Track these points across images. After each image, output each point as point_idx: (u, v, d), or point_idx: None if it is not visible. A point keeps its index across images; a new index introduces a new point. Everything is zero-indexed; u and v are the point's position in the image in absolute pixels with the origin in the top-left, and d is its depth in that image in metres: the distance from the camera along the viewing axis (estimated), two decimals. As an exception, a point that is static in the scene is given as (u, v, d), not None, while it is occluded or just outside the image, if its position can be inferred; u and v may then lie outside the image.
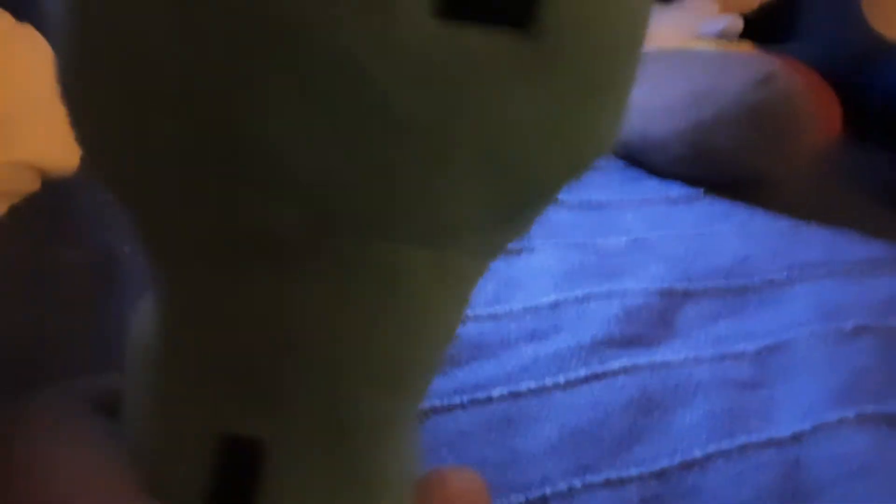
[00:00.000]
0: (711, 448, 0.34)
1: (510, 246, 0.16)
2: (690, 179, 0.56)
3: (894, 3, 0.69)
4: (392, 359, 0.15)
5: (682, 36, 0.68)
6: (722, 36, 0.67)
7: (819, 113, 0.55)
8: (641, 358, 0.38)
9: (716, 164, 0.55)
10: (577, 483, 0.32)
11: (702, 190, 0.55)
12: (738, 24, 0.67)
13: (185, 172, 0.13)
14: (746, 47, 0.60)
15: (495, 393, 0.35)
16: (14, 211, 0.36)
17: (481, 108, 0.13)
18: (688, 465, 0.34)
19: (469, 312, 0.22)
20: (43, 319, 0.33)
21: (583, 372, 0.37)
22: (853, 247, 0.50)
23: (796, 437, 0.36)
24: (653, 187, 0.55)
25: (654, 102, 0.56)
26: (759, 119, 0.53)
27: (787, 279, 0.46)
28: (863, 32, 0.69)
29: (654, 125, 0.56)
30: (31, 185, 0.37)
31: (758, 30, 0.74)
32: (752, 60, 0.55)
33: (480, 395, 0.35)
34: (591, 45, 0.13)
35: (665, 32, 0.68)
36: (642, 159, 0.58)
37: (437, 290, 0.14)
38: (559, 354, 0.38)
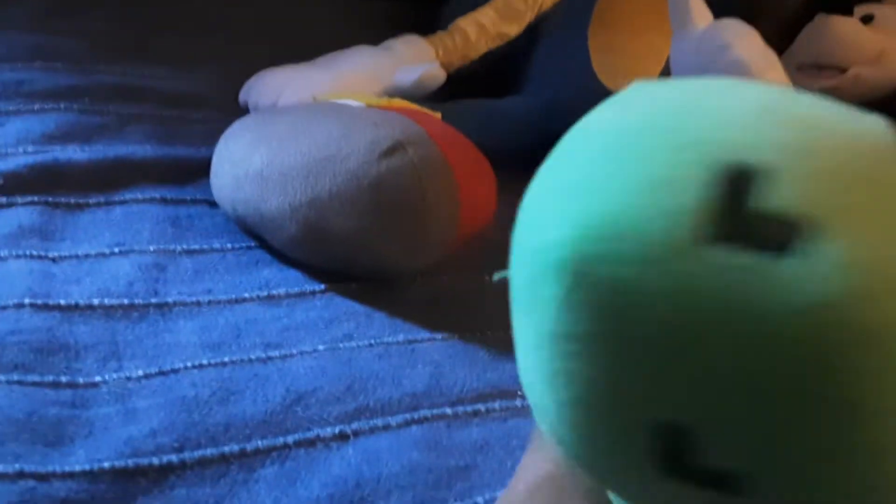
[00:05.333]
0: None
1: None
2: (312, 267, 0.46)
3: (623, 59, 0.59)
4: None
5: (377, 83, 0.58)
6: (418, 87, 0.57)
7: (466, 192, 0.44)
8: None
9: (332, 250, 0.45)
10: None
11: (323, 286, 0.45)
12: (439, 74, 0.57)
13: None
14: (403, 104, 0.49)
15: None
16: None
17: None
18: None
19: None
20: None
21: None
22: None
23: None
24: (260, 280, 0.45)
25: (272, 169, 0.45)
26: (378, 198, 0.42)
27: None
28: (590, 86, 0.59)
29: (269, 197, 0.45)
30: None
31: (481, 80, 0.64)
32: (389, 123, 0.45)
33: None
34: None
35: (354, 78, 0.57)
36: (262, 238, 0.47)
37: None
38: None
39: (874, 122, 0.15)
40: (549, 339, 0.15)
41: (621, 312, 0.14)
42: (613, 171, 0.15)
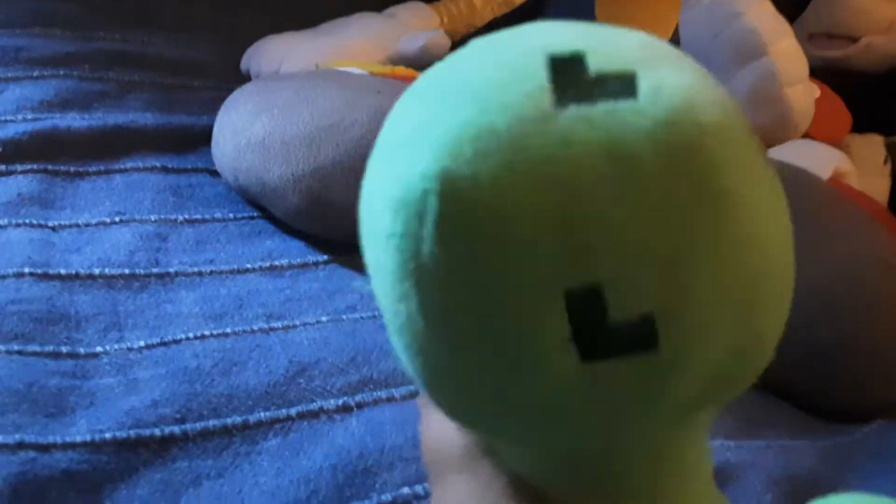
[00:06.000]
0: None
1: None
2: (315, 238, 0.45)
3: (628, 13, 0.58)
4: None
5: (381, 51, 0.57)
6: (422, 55, 0.56)
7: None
8: None
9: (335, 221, 0.44)
10: None
11: (326, 256, 0.44)
12: (444, 41, 0.56)
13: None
14: (407, 72, 0.49)
15: None
16: None
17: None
18: None
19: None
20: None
21: None
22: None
23: None
24: (263, 250, 0.44)
25: (274, 138, 0.45)
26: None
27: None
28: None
29: (272, 167, 0.45)
30: None
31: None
32: (393, 91, 0.44)
33: None
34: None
35: (357, 46, 0.56)
36: (264, 208, 0.47)
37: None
38: None
39: None
40: (452, 271, 0.16)
41: (508, 201, 0.15)
42: (454, 97, 0.16)
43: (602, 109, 0.15)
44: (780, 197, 0.17)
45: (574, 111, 0.15)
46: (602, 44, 0.16)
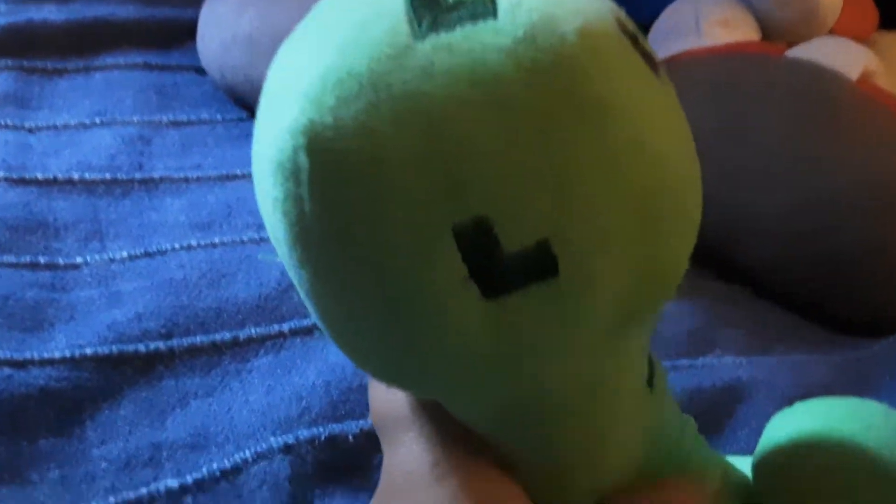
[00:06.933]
0: None
1: None
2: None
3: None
4: None
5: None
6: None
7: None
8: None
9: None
10: None
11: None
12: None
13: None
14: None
15: None
16: None
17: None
18: None
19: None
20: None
21: None
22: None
23: None
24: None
25: (261, 32, 0.42)
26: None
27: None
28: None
29: (260, 63, 0.42)
30: None
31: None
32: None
33: None
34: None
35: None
36: (254, 109, 0.44)
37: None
38: None
39: None
40: (334, 227, 0.15)
41: (374, 145, 0.14)
42: (317, 44, 0.15)
43: (461, 34, 0.15)
44: (672, 108, 0.16)
45: (433, 40, 0.15)
46: None
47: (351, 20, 0.15)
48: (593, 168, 0.15)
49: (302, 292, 0.17)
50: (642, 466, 0.20)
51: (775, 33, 0.51)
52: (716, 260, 0.42)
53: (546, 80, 0.14)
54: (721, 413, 0.33)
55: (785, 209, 0.39)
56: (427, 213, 0.15)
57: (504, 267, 0.15)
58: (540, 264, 0.15)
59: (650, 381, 0.20)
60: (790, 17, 0.50)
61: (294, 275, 0.16)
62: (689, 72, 0.45)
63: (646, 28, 0.52)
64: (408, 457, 0.18)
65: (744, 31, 0.49)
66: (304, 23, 0.16)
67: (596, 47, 0.15)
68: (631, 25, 0.16)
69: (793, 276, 0.40)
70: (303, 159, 0.15)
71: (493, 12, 0.15)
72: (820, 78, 0.40)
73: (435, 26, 0.15)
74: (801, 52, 0.45)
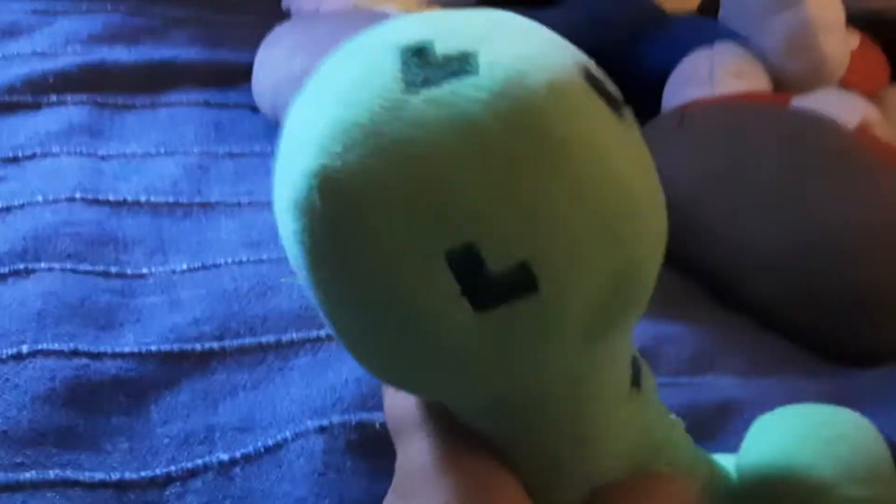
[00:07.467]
0: None
1: None
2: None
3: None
4: None
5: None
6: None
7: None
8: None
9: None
10: None
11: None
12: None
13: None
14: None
15: None
16: None
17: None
18: None
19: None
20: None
21: None
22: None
23: None
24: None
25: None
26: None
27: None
28: (632, 0, 0.58)
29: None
30: None
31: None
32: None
33: None
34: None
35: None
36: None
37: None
38: None
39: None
40: (343, 256, 0.18)
41: (376, 186, 0.17)
42: (324, 100, 0.18)
43: (447, 89, 0.17)
44: (632, 141, 0.19)
45: (424, 95, 0.17)
46: (449, 28, 0.18)
47: (351, 79, 0.18)
48: (561, 197, 0.17)
49: (319, 310, 0.19)
50: (633, 461, 0.23)
51: (785, 84, 0.54)
52: (720, 292, 0.45)
53: (518, 127, 0.17)
54: (715, 427, 0.36)
55: (782, 248, 0.42)
56: (422, 241, 0.17)
57: (490, 284, 0.17)
58: (521, 282, 0.17)
59: (637, 382, 0.23)
60: (799, 69, 0.53)
61: (311, 295, 0.19)
62: (699, 119, 0.48)
63: (664, 76, 0.56)
64: (415, 456, 0.21)
65: (755, 81, 0.53)
66: (312, 81, 0.19)
67: (560, 97, 0.17)
68: (596, 72, 0.19)
69: (791, 310, 0.43)
70: (316, 198, 0.17)
71: (476, 69, 0.17)
72: (817, 126, 0.43)
73: (426, 82, 0.17)
74: (804, 101, 0.48)
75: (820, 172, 0.41)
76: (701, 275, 0.45)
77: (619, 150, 0.18)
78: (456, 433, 0.21)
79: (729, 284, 0.44)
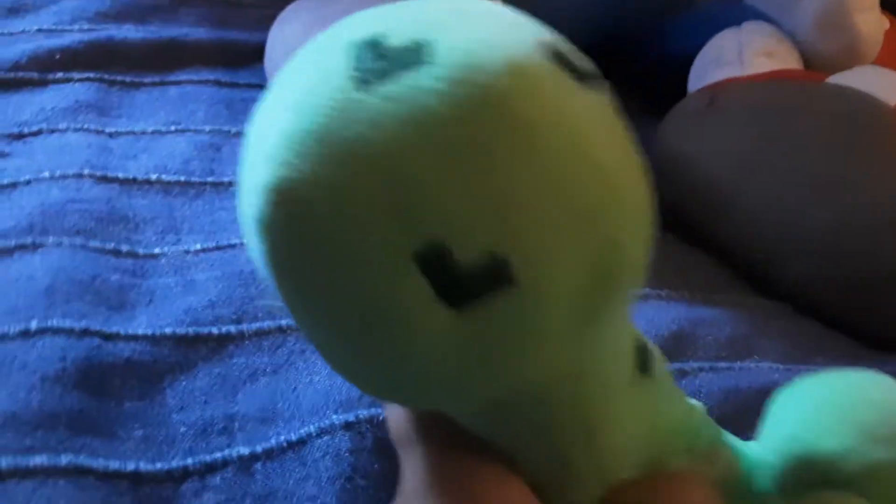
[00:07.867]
0: None
1: None
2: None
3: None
4: None
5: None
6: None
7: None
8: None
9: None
10: None
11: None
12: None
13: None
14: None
15: None
16: None
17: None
18: None
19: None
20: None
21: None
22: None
23: None
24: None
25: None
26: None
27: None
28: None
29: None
30: None
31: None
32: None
33: None
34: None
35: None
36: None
37: None
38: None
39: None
40: (309, 268, 0.17)
41: (335, 193, 0.16)
42: (277, 109, 0.17)
43: (403, 83, 0.16)
44: (605, 115, 0.18)
45: (379, 92, 0.16)
46: (402, 19, 0.17)
47: (303, 84, 0.17)
48: (532, 181, 0.16)
49: (297, 325, 0.18)
50: (648, 452, 0.21)
51: (817, 65, 0.52)
52: (757, 276, 0.43)
53: (477, 114, 0.16)
54: (754, 413, 0.34)
55: (825, 229, 0.40)
56: (388, 245, 0.16)
57: (463, 281, 0.16)
58: (495, 275, 0.16)
59: (645, 367, 0.21)
60: (831, 49, 0.51)
61: (287, 312, 0.18)
62: (733, 98, 0.46)
63: (690, 58, 0.54)
64: (409, 477, 0.20)
65: (786, 61, 0.51)
66: (270, 91, 0.18)
67: (521, 77, 0.16)
68: (560, 45, 0.18)
69: (834, 294, 0.41)
70: (273, 212, 0.16)
71: (432, 58, 0.16)
72: (858, 102, 0.42)
73: (380, 78, 0.16)
74: (840, 79, 0.47)
75: (865, 151, 0.39)
76: (736, 259, 0.43)
77: (591, 126, 0.17)
78: (455, 441, 0.20)
79: (767, 269, 0.42)
